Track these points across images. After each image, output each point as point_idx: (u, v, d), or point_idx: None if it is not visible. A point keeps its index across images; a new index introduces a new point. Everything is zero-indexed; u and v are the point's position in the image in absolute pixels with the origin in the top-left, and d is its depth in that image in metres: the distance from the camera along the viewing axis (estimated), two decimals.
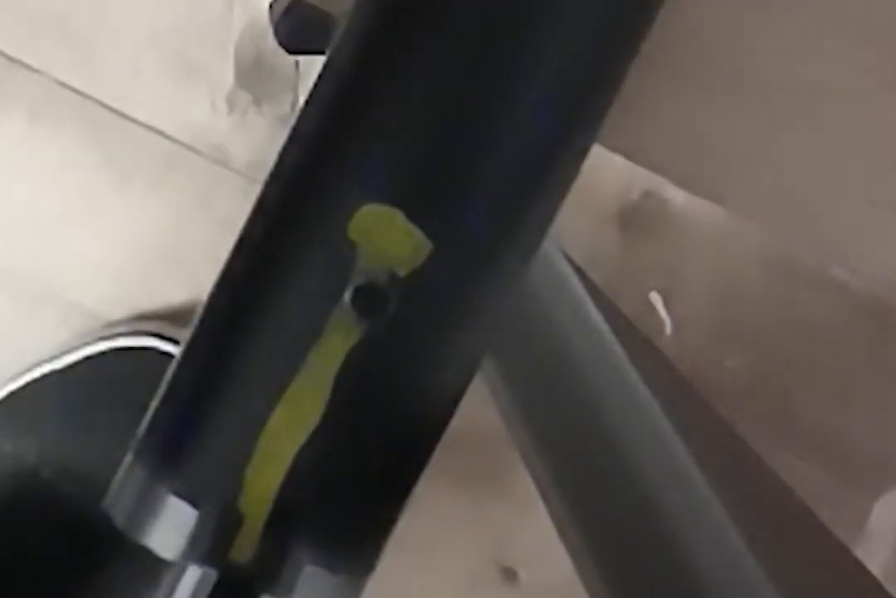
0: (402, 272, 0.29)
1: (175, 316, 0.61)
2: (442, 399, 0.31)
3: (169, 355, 0.57)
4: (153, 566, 0.58)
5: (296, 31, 0.51)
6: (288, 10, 0.51)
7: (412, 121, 0.30)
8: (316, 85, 0.31)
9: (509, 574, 0.65)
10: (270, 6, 0.54)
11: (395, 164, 0.30)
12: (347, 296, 0.29)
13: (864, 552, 0.61)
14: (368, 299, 0.29)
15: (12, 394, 0.58)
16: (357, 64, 0.30)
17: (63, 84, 0.61)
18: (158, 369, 0.56)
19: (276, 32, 0.53)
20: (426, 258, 0.30)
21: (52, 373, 0.58)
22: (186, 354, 0.31)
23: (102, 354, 0.57)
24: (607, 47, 0.31)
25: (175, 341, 0.57)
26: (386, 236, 0.29)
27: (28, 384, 0.58)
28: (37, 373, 0.58)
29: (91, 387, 0.57)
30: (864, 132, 0.43)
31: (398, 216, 0.29)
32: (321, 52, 0.47)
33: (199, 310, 0.31)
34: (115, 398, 0.57)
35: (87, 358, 0.58)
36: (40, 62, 0.62)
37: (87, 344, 0.58)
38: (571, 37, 0.30)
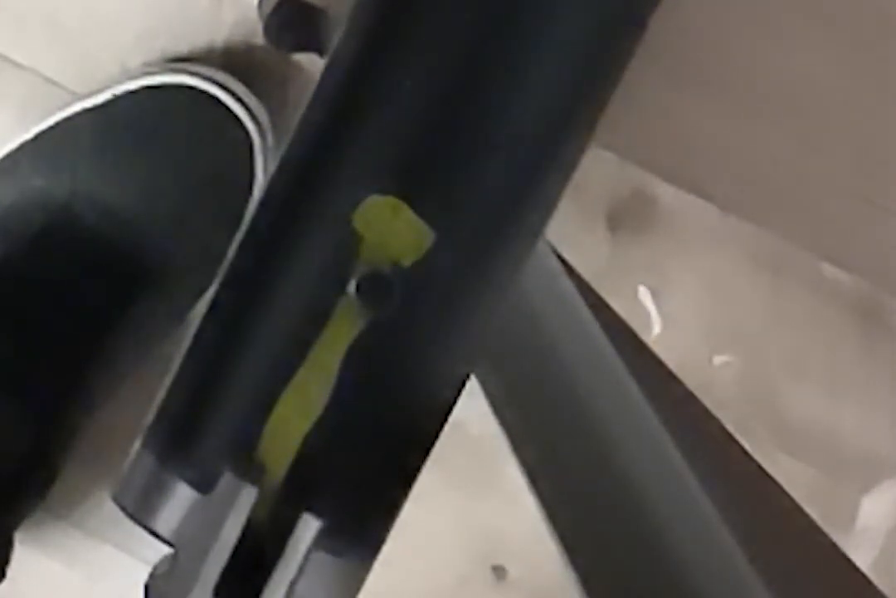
0: (405, 263, 0.30)
1: (206, 59, 0.60)
2: (445, 387, 0.32)
3: (203, 93, 0.56)
4: (180, 302, 0.59)
5: (285, 29, 0.51)
6: (277, 8, 0.51)
7: (417, 114, 0.30)
8: (321, 79, 0.31)
9: (499, 572, 0.65)
10: (259, 4, 0.54)
11: (399, 156, 0.30)
12: (352, 286, 0.30)
13: (854, 548, 0.61)
14: (372, 288, 0.30)
15: (44, 132, 0.57)
16: (362, 58, 0.31)
17: (52, 81, 0.61)
18: (192, 106, 0.57)
19: (266, 30, 0.53)
20: (430, 249, 0.30)
21: (85, 111, 0.57)
22: (193, 344, 0.32)
23: (135, 91, 0.56)
24: (609, 40, 0.31)
25: (209, 79, 0.56)
26: (390, 227, 0.30)
27: (60, 122, 0.57)
28: (69, 111, 0.57)
29: (124, 124, 0.56)
30: (852, 130, 0.43)
31: (402, 207, 0.30)
32: (311, 49, 0.47)
33: (207, 301, 0.32)
34: (148, 135, 0.56)
35: (120, 96, 0.56)
36: (29, 59, 0.61)
37: (119, 83, 0.57)
38: (573, 31, 0.30)
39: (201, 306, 0.57)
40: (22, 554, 0.59)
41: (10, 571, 0.58)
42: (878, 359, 0.61)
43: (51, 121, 0.57)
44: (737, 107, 0.43)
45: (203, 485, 0.30)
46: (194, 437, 0.31)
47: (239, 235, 0.32)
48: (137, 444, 0.32)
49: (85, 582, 0.68)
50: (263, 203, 0.31)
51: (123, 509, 0.31)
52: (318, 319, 0.30)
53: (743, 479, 0.39)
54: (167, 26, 0.60)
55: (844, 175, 0.45)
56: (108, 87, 0.57)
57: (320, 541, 0.29)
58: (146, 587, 0.30)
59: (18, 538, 0.59)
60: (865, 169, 0.45)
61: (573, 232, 0.59)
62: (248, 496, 0.29)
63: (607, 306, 0.44)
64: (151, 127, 0.56)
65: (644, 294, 0.61)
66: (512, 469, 0.39)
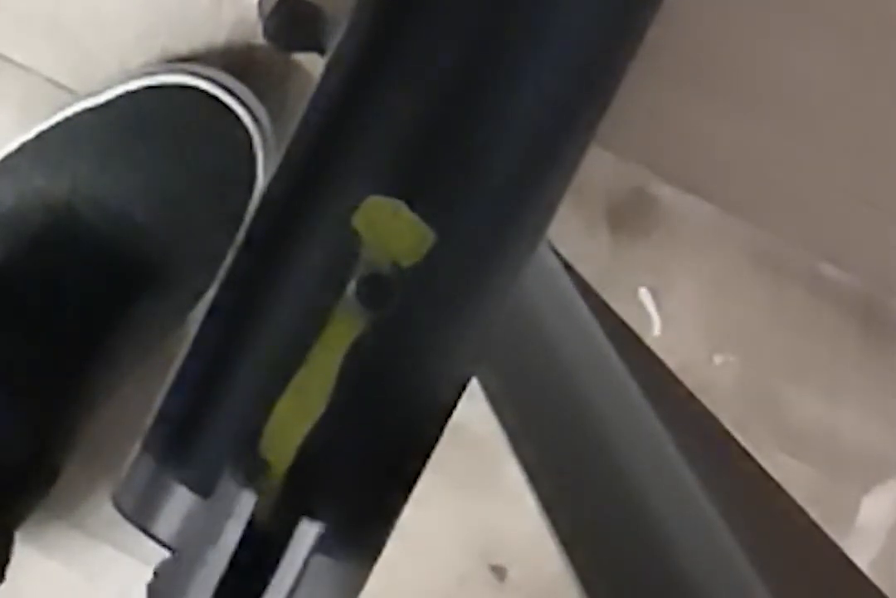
0: (405, 263, 0.30)
1: (206, 59, 0.60)
2: (445, 390, 0.32)
3: (203, 92, 0.56)
4: (180, 302, 0.59)
5: (285, 28, 0.51)
6: (277, 7, 0.51)
7: (417, 114, 0.30)
8: (321, 78, 0.31)
9: (498, 572, 0.65)
10: (259, 3, 0.54)
11: (399, 156, 0.30)
12: (352, 287, 0.29)
13: (853, 548, 0.61)
14: (372, 289, 0.30)
15: (45, 132, 0.57)
16: (362, 58, 0.31)
17: (52, 81, 0.61)
18: (192, 106, 0.57)
19: (266, 29, 0.53)
20: (430, 250, 0.30)
21: (86, 111, 0.57)
22: (193, 346, 0.31)
23: (135, 91, 0.56)
24: (609, 42, 0.31)
25: (209, 79, 0.56)
26: (390, 228, 0.30)
27: (61, 122, 0.57)
28: (70, 112, 0.57)
29: (125, 124, 0.56)
30: (851, 130, 0.43)
31: (402, 208, 0.30)
32: (311, 49, 0.47)
33: (207, 301, 0.32)
34: (149, 134, 0.56)
35: (121, 96, 0.57)
36: (29, 59, 0.61)
37: (120, 83, 0.57)
38: (573, 32, 0.30)
39: (201, 306, 0.57)
40: (22, 554, 0.59)
41: (10, 571, 0.58)
42: (878, 359, 0.61)
43: (51, 121, 0.57)
44: (737, 107, 0.43)
45: (203, 488, 0.30)
46: (194, 440, 0.31)
47: (239, 236, 0.32)
48: (137, 447, 0.32)
49: (85, 582, 0.68)
50: (263, 203, 0.31)
51: (123, 512, 0.31)
52: (317, 320, 0.30)
53: (743, 479, 0.39)
54: (167, 26, 0.60)
55: (844, 175, 0.45)
56: (108, 86, 0.57)
57: (320, 545, 0.29)
58: (147, 590, 0.30)
59: (18, 537, 0.59)
60: (865, 169, 0.45)
61: (573, 232, 0.59)
62: (247, 500, 0.29)
63: (607, 306, 0.44)
64: (152, 127, 0.56)
65: (644, 294, 0.61)
66: (512, 469, 0.39)
